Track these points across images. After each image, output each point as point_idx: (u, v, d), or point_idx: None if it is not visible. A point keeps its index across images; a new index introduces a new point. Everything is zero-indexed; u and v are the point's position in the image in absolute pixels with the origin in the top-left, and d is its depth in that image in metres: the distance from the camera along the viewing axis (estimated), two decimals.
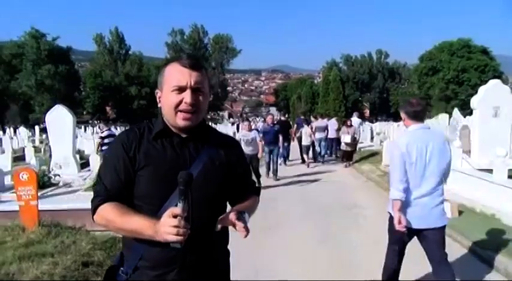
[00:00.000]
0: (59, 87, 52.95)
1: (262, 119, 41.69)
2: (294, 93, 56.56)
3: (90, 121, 56.87)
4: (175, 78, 1.53)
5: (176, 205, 1.34)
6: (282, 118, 17.74)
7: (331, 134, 15.42)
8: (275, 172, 10.92)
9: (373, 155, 14.48)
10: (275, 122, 11.81)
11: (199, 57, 4.03)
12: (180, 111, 1.53)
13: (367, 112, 75.45)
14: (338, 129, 15.06)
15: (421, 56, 53.53)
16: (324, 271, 4.47)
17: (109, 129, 11.63)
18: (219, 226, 1.54)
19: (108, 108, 63.40)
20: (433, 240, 3.33)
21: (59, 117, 8.67)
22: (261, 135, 10.19)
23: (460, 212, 6.35)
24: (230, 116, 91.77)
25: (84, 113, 61.33)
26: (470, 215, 6.26)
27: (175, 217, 1.32)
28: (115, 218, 1.49)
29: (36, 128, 29.93)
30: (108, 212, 1.50)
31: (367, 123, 26.46)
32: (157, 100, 1.63)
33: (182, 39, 67.91)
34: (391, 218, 3.41)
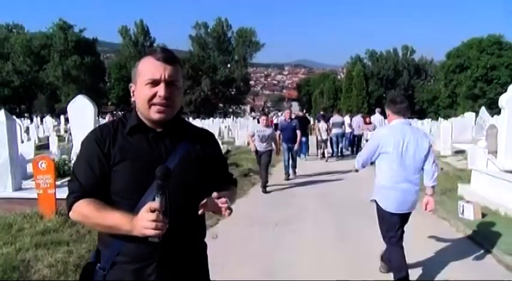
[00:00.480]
0: (85, 78, 54.03)
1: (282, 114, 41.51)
2: (317, 88, 56.13)
3: (114, 112, 57.87)
4: (149, 71, 1.52)
5: (154, 199, 1.35)
6: (300, 114, 17.68)
7: (356, 131, 15.30)
8: (294, 167, 10.54)
9: None
10: (292, 117, 11.18)
11: (172, 51, 3.75)
12: (154, 104, 1.52)
13: None
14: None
15: (448, 53, 52.31)
16: (339, 269, 4.38)
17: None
18: (200, 211, 1.53)
19: (132, 100, 64.30)
20: (405, 221, 3.88)
21: (80, 107, 8.74)
22: (279, 132, 9.96)
23: (484, 215, 6.13)
24: (252, 110, 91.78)
25: (109, 103, 62.36)
26: (493, 218, 6.04)
27: (153, 211, 1.33)
28: (91, 214, 1.48)
29: (62, 117, 30.60)
30: (84, 208, 1.49)
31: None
32: (131, 94, 1.61)
33: (206, 33, 68.08)
34: (377, 206, 3.83)
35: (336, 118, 14.65)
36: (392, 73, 72.63)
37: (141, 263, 1.50)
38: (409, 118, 4.34)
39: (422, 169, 3.79)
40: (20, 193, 6.12)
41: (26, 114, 49.79)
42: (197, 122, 18.60)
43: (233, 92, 69.45)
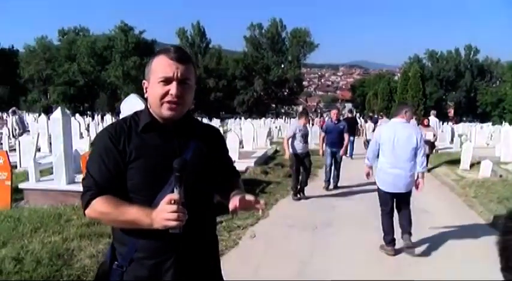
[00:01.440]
0: (143, 78, 56.32)
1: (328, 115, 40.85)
2: (371, 89, 54.69)
3: None
4: (162, 69, 1.55)
5: (172, 192, 1.40)
6: (349, 115, 17.32)
7: None
8: (336, 177, 9.01)
9: (451, 158, 13.51)
10: (340, 119, 9.64)
11: (186, 50, 1.69)
12: (166, 102, 1.55)
13: (451, 112, 70.85)
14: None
15: None
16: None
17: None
18: (232, 208, 1.58)
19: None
20: (402, 200, 4.92)
21: (131, 106, 9.12)
22: (323, 134, 9.05)
23: None
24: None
25: None
26: None
27: (173, 203, 1.36)
28: (110, 211, 1.48)
29: (121, 116, 32.00)
30: (102, 205, 1.50)
31: (449, 124, 24.76)
32: (144, 91, 1.65)
33: (260, 33, 68.55)
34: (378, 188, 4.99)
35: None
36: (453, 74, 69.26)
37: (160, 258, 1.53)
38: (412, 119, 5.48)
39: (415, 159, 4.77)
40: (73, 186, 6.42)
41: (88, 112, 52.67)
42: (249, 122, 18.70)
43: (286, 93, 69.39)
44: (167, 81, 1.54)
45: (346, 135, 8.95)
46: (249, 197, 1.58)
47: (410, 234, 4.81)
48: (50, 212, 5.23)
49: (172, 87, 1.53)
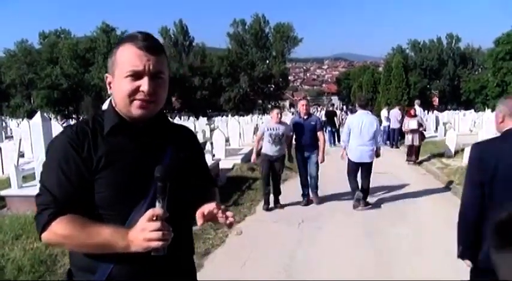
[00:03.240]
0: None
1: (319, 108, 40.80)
2: (356, 81, 55.00)
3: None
4: (130, 62, 1.29)
5: (153, 205, 1.19)
6: (330, 108, 17.75)
7: (394, 125, 14.93)
8: (314, 187, 7.08)
9: (435, 146, 13.68)
10: (311, 112, 7.59)
11: (155, 38, 1.42)
12: (136, 99, 1.30)
13: (435, 100, 71.58)
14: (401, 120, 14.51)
15: (497, 39, 49.63)
16: (366, 267, 4.28)
17: (67, 121, 12.50)
18: (200, 222, 1.36)
19: (173, 99, 65.82)
20: (365, 169, 6.72)
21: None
22: (291, 133, 7.02)
23: None
24: (291, 105, 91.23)
25: None
26: None
27: (155, 219, 1.16)
28: (75, 233, 1.22)
29: None
30: (64, 226, 1.22)
31: (435, 112, 25.03)
32: (108, 87, 1.39)
33: (244, 30, 68.35)
34: (347, 158, 6.79)
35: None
36: (437, 63, 69.95)
37: None
38: (370, 110, 7.50)
39: (374, 138, 6.59)
40: None
41: (73, 116, 52.07)
42: (235, 119, 18.69)
43: (272, 88, 69.37)
44: (136, 75, 1.28)
45: (320, 134, 6.98)
46: (216, 208, 1.34)
47: (366, 192, 6.76)
48: (32, 219, 5.15)
49: (144, 83, 1.28)
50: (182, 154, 1.45)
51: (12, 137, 17.56)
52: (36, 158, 6.49)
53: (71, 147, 1.30)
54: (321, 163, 6.97)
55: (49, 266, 3.81)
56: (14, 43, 59.10)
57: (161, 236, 1.14)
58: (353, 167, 6.72)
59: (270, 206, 6.73)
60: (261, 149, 6.83)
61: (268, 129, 6.59)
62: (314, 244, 5.10)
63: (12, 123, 29.05)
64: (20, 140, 10.61)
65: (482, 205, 2.24)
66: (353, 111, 16.14)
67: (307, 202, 7.00)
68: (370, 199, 7.10)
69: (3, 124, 20.66)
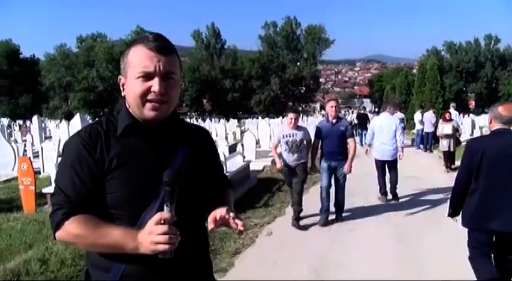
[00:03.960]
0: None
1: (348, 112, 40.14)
2: (389, 83, 54.04)
3: (189, 113, 60.40)
4: (141, 63, 1.31)
5: (161, 209, 1.21)
6: (361, 112, 17.60)
7: (427, 128, 14.66)
8: (339, 207, 6.20)
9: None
10: (340, 116, 6.52)
11: (167, 38, 1.43)
12: (148, 101, 1.32)
13: (472, 103, 69.41)
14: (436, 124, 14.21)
15: None
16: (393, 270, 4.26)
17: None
18: (211, 227, 1.39)
19: (204, 101, 66.63)
20: (390, 166, 7.41)
21: None
22: (316, 139, 6.17)
23: None
24: (322, 108, 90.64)
25: (184, 105, 65.17)
26: None
27: (163, 223, 1.18)
28: (87, 233, 1.26)
29: None
30: (77, 226, 1.27)
31: (471, 116, 24.29)
32: (121, 88, 1.41)
33: (275, 32, 68.44)
34: (375, 159, 7.54)
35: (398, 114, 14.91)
36: (473, 65, 67.78)
37: None
38: (392, 113, 7.93)
39: (395, 138, 7.15)
40: None
41: None
42: (265, 122, 18.77)
43: (302, 91, 69.17)
44: (148, 76, 1.30)
45: (351, 141, 6.01)
46: (227, 213, 1.35)
47: (395, 188, 7.45)
48: None
49: (155, 84, 1.30)
50: (196, 155, 1.45)
51: (51, 137, 18.28)
52: None
53: (84, 148, 1.32)
54: (348, 173, 6.03)
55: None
56: (54, 47, 61.60)
57: (168, 240, 1.16)
58: (378, 165, 7.52)
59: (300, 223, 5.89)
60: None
61: (284, 136, 5.85)
62: (345, 246, 5.10)
63: (51, 124, 30.24)
64: (59, 140, 11.05)
65: (468, 183, 3.20)
66: (379, 113, 16.12)
67: (325, 220, 5.96)
68: (402, 203, 7.04)
69: (43, 125, 21.56)
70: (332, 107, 6.02)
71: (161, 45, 1.33)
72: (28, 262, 3.82)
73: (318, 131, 6.12)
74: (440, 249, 4.83)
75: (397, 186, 7.47)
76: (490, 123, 3.28)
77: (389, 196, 7.47)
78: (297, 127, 5.89)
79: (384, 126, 7.23)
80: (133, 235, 1.23)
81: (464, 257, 3.40)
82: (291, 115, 5.88)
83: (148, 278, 1.33)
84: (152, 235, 1.18)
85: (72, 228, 1.27)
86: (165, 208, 1.20)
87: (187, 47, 77.28)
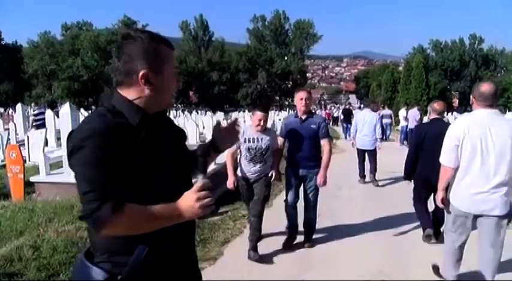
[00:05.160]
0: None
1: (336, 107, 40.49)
2: (375, 80, 54.60)
3: (175, 105, 60.01)
4: (173, 61, 1.53)
5: (197, 178, 1.40)
6: (347, 107, 18.51)
7: (412, 124, 15.00)
8: (309, 228, 4.88)
9: None
10: (312, 111, 5.02)
11: None
12: (172, 94, 1.56)
13: (455, 102, 70.54)
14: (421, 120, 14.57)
15: None
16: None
17: (39, 108, 12.82)
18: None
19: (191, 93, 66.30)
20: (369, 154, 8.64)
21: None
22: (284, 140, 4.81)
23: None
24: None
25: None
26: None
27: (205, 189, 1.36)
28: (137, 221, 1.34)
29: None
30: (131, 216, 1.32)
31: (454, 113, 24.81)
32: (143, 81, 1.44)
33: (263, 26, 68.33)
34: (357, 148, 8.84)
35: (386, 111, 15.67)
36: (458, 64, 68.85)
37: (163, 259, 1.48)
38: (373, 109, 9.11)
39: (375, 130, 8.48)
40: None
41: (93, 107, 52.94)
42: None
43: (289, 85, 69.34)
44: (175, 73, 1.54)
45: (325, 143, 4.67)
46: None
47: (375, 174, 8.63)
48: (63, 204, 5.45)
49: (179, 78, 1.58)
50: (182, 140, 1.68)
51: (45, 125, 18.00)
52: (65, 147, 6.78)
53: (108, 140, 1.33)
54: (321, 186, 4.70)
55: (80, 248, 4.04)
56: (37, 34, 60.48)
57: (211, 202, 1.36)
58: (360, 153, 8.82)
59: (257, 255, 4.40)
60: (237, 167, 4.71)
61: (246, 141, 4.44)
62: (332, 237, 5.22)
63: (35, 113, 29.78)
64: (46, 129, 10.96)
65: (416, 155, 4.91)
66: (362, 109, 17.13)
67: (289, 240, 4.85)
68: (389, 219, 7.20)
69: (27, 114, 21.28)
70: (302, 99, 4.59)
71: (171, 44, 1.54)
72: (20, 248, 3.87)
73: (284, 129, 4.84)
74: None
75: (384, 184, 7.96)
76: (429, 114, 5.11)
77: (368, 179, 8.75)
78: (264, 130, 4.46)
79: (366, 120, 8.58)
80: (174, 207, 1.36)
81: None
82: (258, 115, 4.39)
83: (164, 250, 1.47)
84: (200, 201, 1.35)
85: (126, 219, 1.31)
86: (201, 176, 1.38)
87: (175, 38, 76.70)
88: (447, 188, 3.40)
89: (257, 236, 4.45)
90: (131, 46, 1.45)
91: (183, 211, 1.37)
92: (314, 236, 4.99)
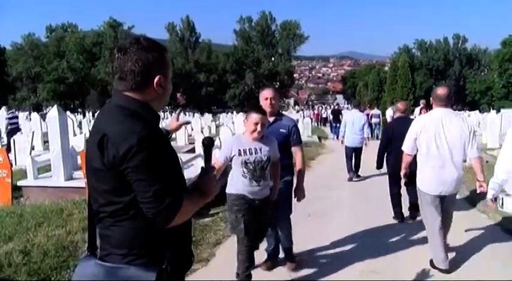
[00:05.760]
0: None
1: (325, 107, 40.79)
2: (362, 80, 55.07)
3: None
4: (171, 67, 1.68)
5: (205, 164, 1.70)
6: (335, 108, 19.04)
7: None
8: (286, 244, 4.23)
9: None
10: (281, 111, 4.39)
11: None
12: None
13: None
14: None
15: (503, 41, 49.53)
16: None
17: (12, 112, 12.92)
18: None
19: (178, 95, 66.05)
20: (357, 153, 9.08)
21: None
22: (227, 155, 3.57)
23: None
24: (296, 103, 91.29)
25: None
26: None
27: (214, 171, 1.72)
28: (192, 208, 1.60)
29: None
30: (186, 207, 1.52)
31: None
32: (156, 86, 1.57)
33: (250, 27, 68.43)
34: (345, 146, 9.17)
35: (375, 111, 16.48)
36: (443, 63, 69.83)
37: (173, 244, 1.59)
38: (361, 109, 10.53)
39: (363, 129, 9.04)
40: (71, 183, 6.55)
41: (79, 110, 52.39)
42: (240, 116, 18.84)
43: (277, 86, 69.56)
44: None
45: (296, 151, 4.01)
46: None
47: (357, 171, 9.16)
48: (52, 208, 5.38)
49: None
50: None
51: (20, 129, 17.76)
52: (53, 150, 6.69)
53: (164, 139, 1.55)
54: (298, 200, 4.06)
55: (71, 252, 4.02)
56: (21, 36, 59.62)
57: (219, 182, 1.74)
58: (348, 151, 9.15)
59: None
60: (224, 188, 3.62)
61: (241, 153, 3.43)
62: (322, 237, 5.25)
63: (19, 116, 29.35)
64: (33, 133, 10.84)
65: (386, 147, 6.02)
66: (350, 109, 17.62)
67: (271, 263, 4.22)
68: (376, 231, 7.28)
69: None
70: (267, 99, 3.91)
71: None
72: (10, 253, 3.81)
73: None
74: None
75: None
76: (395, 113, 6.15)
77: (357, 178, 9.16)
78: (261, 138, 3.48)
79: (355, 120, 9.10)
80: (200, 190, 1.64)
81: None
82: (254, 117, 3.35)
83: (172, 240, 1.59)
84: (213, 181, 1.68)
85: (185, 210, 1.51)
86: (206, 163, 1.71)
87: (161, 40, 76.35)
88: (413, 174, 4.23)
89: (249, 270, 3.68)
90: (143, 53, 1.53)
91: (207, 191, 1.64)
92: (305, 238, 5.02)
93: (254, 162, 3.44)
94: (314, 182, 7.36)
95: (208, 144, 1.73)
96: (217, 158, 3.60)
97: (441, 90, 3.93)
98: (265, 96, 3.95)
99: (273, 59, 67.28)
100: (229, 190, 3.61)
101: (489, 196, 3.51)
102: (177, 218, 1.46)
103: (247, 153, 3.44)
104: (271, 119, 3.83)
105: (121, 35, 56.72)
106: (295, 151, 4.00)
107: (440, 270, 3.94)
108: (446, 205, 4.05)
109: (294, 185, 4.06)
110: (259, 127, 3.37)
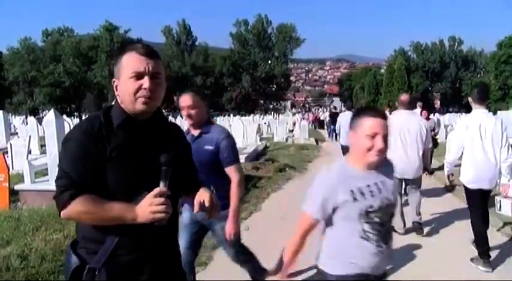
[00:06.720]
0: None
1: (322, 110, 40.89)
2: (358, 83, 55.24)
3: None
4: (134, 65, 1.53)
5: (157, 186, 1.45)
6: (333, 111, 18.87)
7: None
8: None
9: (436, 148, 13.82)
10: (213, 121, 3.11)
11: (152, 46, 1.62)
12: (139, 97, 1.54)
13: (437, 103, 71.79)
14: None
15: (499, 43, 49.79)
16: None
17: None
18: (196, 209, 1.62)
19: (175, 98, 66.03)
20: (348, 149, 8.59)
21: None
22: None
23: None
24: (293, 106, 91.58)
25: None
26: None
27: (161, 195, 1.42)
28: (92, 210, 1.46)
29: None
30: (84, 204, 1.46)
31: (436, 115, 25.28)
32: (115, 90, 1.61)
33: (246, 30, 68.64)
34: (340, 145, 9.35)
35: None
36: (439, 65, 70.19)
37: (138, 253, 1.56)
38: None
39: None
40: None
41: (75, 113, 52.33)
42: (238, 119, 18.86)
43: (273, 89, 69.70)
44: (139, 76, 1.52)
45: (232, 172, 2.89)
46: (211, 200, 1.61)
47: None
48: (49, 212, 5.34)
49: (145, 82, 1.52)
50: (176, 144, 1.73)
51: (16, 133, 17.72)
52: (50, 154, 6.67)
53: (87, 138, 1.50)
54: (231, 237, 2.99)
55: None
56: (18, 40, 59.67)
57: (165, 209, 1.41)
58: (344, 149, 9.31)
59: None
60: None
61: (356, 197, 1.99)
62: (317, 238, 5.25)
63: (15, 120, 29.23)
64: (30, 137, 10.81)
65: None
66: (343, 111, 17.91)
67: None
68: None
69: (9, 121, 20.91)
70: (183, 108, 2.90)
71: (150, 51, 1.57)
72: (8, 257, 3.79)
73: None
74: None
75: None
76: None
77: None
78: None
79: (348, 120, 9.62)
80: (132, 208, 1.45)
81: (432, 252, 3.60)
82: (373, 125, 2.01)
83: (137, 246, 1.55)
84: (152, 206, 1.42)
85: (79, 206, 1.46)
86: (161, 184, 1.44)
87: (157, 44, 76.42)
88: None
89: None
90: (110, 61, 1.58)
91: (137, 213, 1.45)
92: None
93: (381, 210, 2.01)
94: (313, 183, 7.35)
95: (167, 163, 1.46)
96: (305, 209, 2.25)
97: (404, 97, 5.33)
98: (181, 105, 2.89)
99: (269, 62, 67.45)
100: (333, 269, 2.16)
101: (446, 173, 4.51)
102: (71, 212, 1.46)
103: (367, 195, 1.99)
104: (195, 132, 2.94)
105: (117, 38, 56.74)
106: (230, 173, 2.89)
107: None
108: (411, 187, 5.49)
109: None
110: (380, 142, 1.93)
